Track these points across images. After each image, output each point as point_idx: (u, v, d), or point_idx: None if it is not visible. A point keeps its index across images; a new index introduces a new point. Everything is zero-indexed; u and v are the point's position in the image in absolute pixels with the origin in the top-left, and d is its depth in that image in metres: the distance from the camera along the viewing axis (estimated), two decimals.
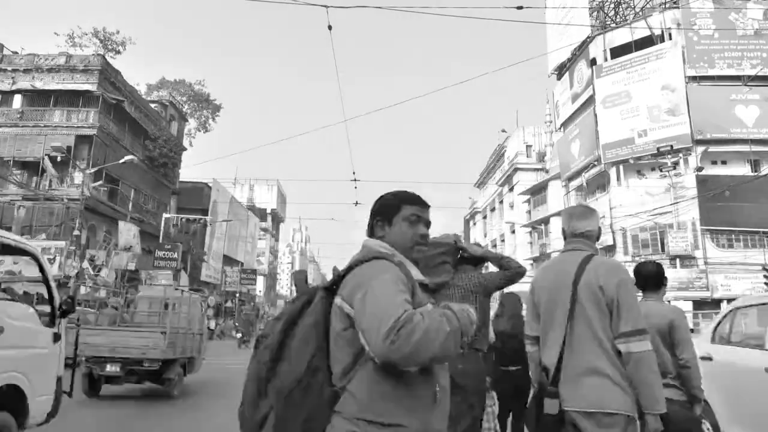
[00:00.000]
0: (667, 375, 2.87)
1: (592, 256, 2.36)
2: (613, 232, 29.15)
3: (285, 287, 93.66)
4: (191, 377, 10.12)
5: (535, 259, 40.07)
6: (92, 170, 24.38)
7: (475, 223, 60.50)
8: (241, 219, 47.72)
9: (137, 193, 31.74)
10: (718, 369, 4.39)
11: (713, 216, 25.78)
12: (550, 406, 2.23)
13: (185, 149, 39.43)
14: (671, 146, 26.38)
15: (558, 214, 36.63)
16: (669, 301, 3.50)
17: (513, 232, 45.14)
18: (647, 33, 30.28)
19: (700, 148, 27.77)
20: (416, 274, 1.67)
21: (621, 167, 30.36)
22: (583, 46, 33.51)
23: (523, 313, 4.42)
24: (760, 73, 26.75)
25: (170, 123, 37.42)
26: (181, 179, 38.17)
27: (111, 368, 8.11)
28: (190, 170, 79.49)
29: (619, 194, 29.70)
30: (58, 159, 24.90)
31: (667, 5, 30.44)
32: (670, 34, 29.75)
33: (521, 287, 3.83)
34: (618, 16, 33.39)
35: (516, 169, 44.70)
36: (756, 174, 25.69)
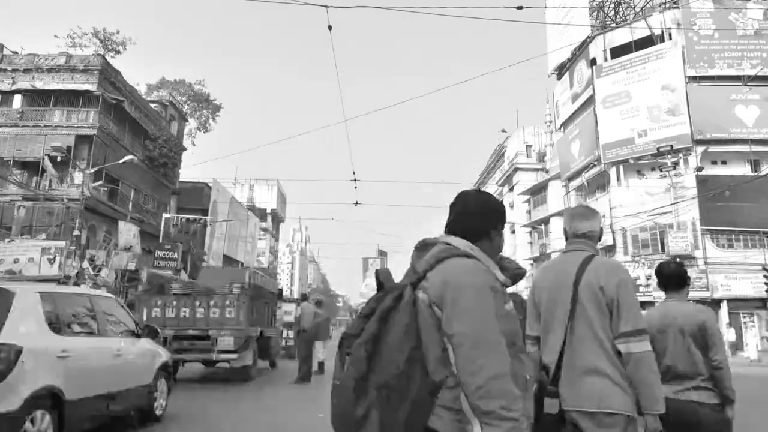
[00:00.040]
0: (698, 377, 2.83)
1: (593, 257, 2.37)
2: (613, 232, 29.16)
3: (285, 287, 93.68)
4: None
5: (535, 259, 40.08)
6: (92, 170, 24.37)
7: None
8: (241, 219, 47.71)
9: (137, 193, 31.74)
10: None
11: (713, 216, 25.79)
12: (550, 405, 2.23)
13: (185, 149, 39.43)
14: (671, 146, 26.40)
15: (558, 214, 36.65)
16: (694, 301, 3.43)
17: (513, 232, 45.14)
18: (647, 33, 30.29)
19: (700, 148, 27.78)
20: (499, 276, 1.74)
21: (621, 167, 30.37)
22: (583, 46, 33.52)
23: None
24: (760, 73, 26.77)
25: (170, 123, 37.42)
26: (181, 179, 38.16)
27: None
28: (190, 170, 79.54)
29: (619, 194, 29.71)
30: (58, 159, 24.89)
31: (667, 5, 30.45)
32: (670, 34, 29.76)
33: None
34: (618, 16, 33.41)
35: (516, 169, 44.73)
36: (756, 174, 25.71)
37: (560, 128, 38.19)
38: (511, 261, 3.36)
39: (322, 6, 9.92)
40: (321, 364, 12.40)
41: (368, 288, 19.33)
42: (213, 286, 11.33)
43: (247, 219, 50.67)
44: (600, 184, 32.57)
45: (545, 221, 38.68)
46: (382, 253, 76.33)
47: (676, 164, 26.33)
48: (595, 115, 31.33)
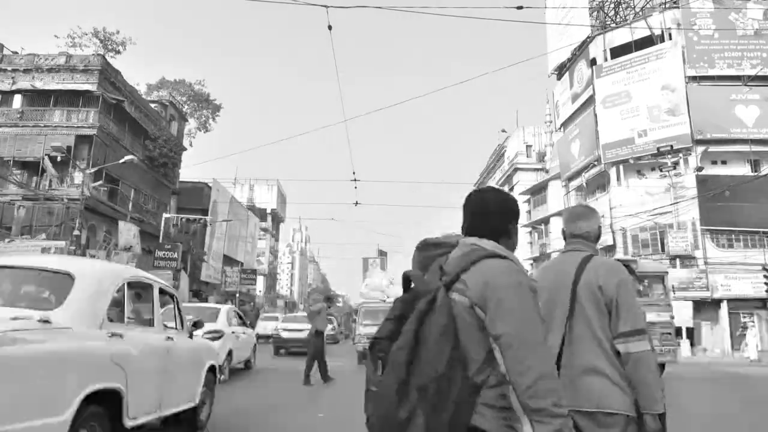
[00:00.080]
0: None
1: (591, 257, 2.38)
2: (613, 232, 29.17)
3: (285, 287, 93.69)
4: None
5: (535, 259, 40.09)
6: (92, 170, 24.38)
7: None
8: (241, 219, 47.72)
9: (137, 193, 31.75)
10: None
11: (713, 216, 25.79)
12: None
13: (185, 149, 39.44)
14: (671, 146, 26.40)
15: (558, 214, 36.66)
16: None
17: None
18: (647, 33, 30.29)
19: (700, 148, 27.78)
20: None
21: (621, 167, 30.37)
22: (583, 46, 33.53)
23: None
24: (760, 73, 26.77)
25: (170, 123, 37.43)
26: (181, 179, 38.17)
27: None
28: (190, 170, 79.49)
29: (619, 194, 29.72)
30: (58, 159, 24.90)
31: (667, 5, 30.46)
32: (670, 34, 29.76)
33: None
34: (618, 16, 33.42)
35: (516, 169, 44.74)
36: (756, 174, 25.71)
37: (560, 128, 38.20)
38: None
39: (322, 6, 9.93)
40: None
41: (368, 288, 19.20)
42: None
43: (247, 219, 50.66)
44: (600, 184, 32.58)
45: (545, 221, 38.70)
46: (382, 253, 76.24)
47: (676, 164, 26.33)
48: (595, 115, 31.34)
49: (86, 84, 27.62)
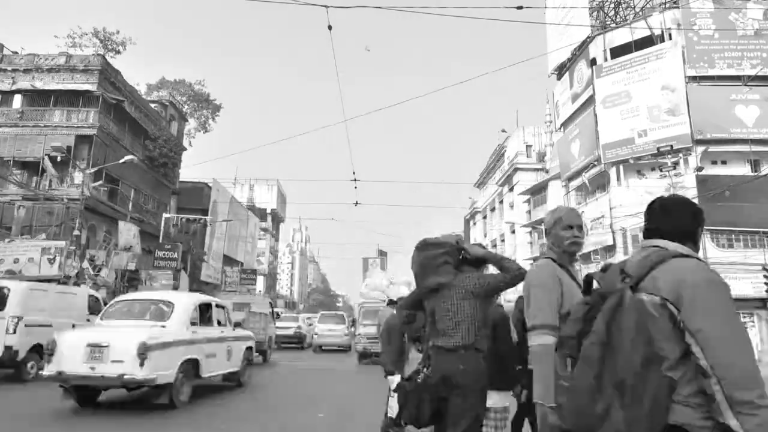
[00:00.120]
0: None
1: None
2: (613, 232, 29.17)
3: (285, 287, 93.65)
4: None
5: (535, 259, 40.00)
6: (92, 170, 24.37)
7: (475, 223, 60.52)
8: (241, 219, 47.70)
9: (137, 193, 31.74)
10: None
11: (713, 216, 25.74)
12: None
13: (185, 149, 39.43)
14: (671, 146, 26.38)
15: None
16: None
17: (513, 232, 45.16)
18: (647, 33, 30.28)
19: (700, 148, 27.78)
20: None
21: (621, 167, 30.37)
22: (583, 46, 33.52)
23: None
24: (760, 73, 26.76)
25: (170, 123, 37.42)
26: (181, 179, 38.16)
27: None
28: (190, 170, 79.46)
29: (619, 194, 29.71)
30: (58, 159, 24.89)
31: (667, 5, 30.45)
32: (670, 34, 29.75)
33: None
34: (618, 16, 33.41)
35: (516, 169, 44.72)
36: (756, 174, 25.70)
37: (560, 128, 38.18)
38: (512, 262, 3.36)
39: (322, 6, 9.93)
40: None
41: (368, 288, 19.23)
42: None
43: (247, 219, 50.65)
44: (600, 184, 32.57)
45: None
46: (382, 253, 76.11)
47: (676, 164, 26.31)
48: (595, 115, 31.33)
49: (86, 84, 27.61)
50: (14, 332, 10.08)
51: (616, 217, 28.87)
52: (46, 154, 25.39)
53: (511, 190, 45.92)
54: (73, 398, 7.46)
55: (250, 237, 51.53)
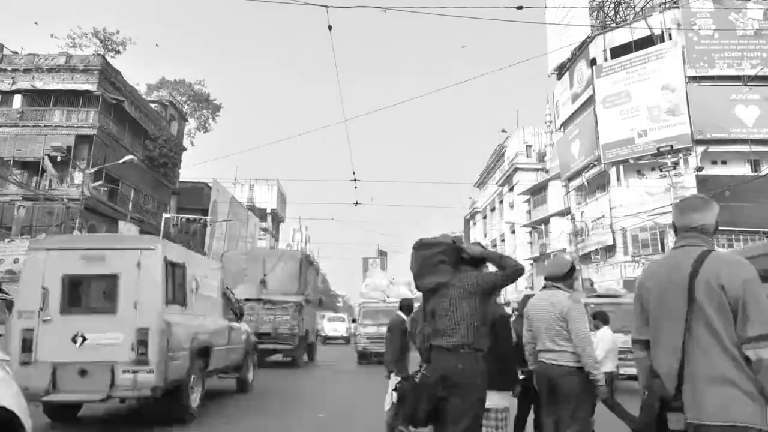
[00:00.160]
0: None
1: (710, 252, 2.13)
2: (613, 232, 29.18)
3: None
4: None
5: (535, 259, 40.10)
6: (92, 170, 24.38)
7: (475, 223, 60.53)
8: (241, 219, 47.69)
9: (137, 193, 31.75)
10: None
11: None
12: (675, 421, 2.06)
13: (185, 149, 39.44)
14: (671, 146, 26.37)
15: (558, 213, 36.69)
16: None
17: (513, 232, 45.16)
18: (647, 33, 30.29)
19: (700, 148, 27.78)
20: None
21: (621, 167, 30.37)
22: (583, 46, 33.53)
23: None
24: (760, 73, 26.76)
25: (170, 123, 37.43)
26: (181, 179, 38.17)
27: None
28: (190, 170, 79.28)
29: (619, 194, 29.72)
30: (58, 159, 24.89)
31: (667, 5, 30.45)
32: (670, 34, 29.76)
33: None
34: (618, 16, 33.42)
35: (516, 169, 44.72)
36: (756, 174, 25.70)
37: (560, 128, 38.19)
38: (509, 259, 3.37)
39: (322, 6, 9.93)
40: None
41: (368, 288, 19.20)
42: None
43: (247, 219, 50.64)
44: (600, 184, 32.57)
45: (545, 221, 38.70)
46: (382, 253, 76.09)
47: (676, 164, 26.30)
48: (595, 115, 31.33)
49: (86, 84, 27.61)
50: None
51: (616, 217, 28.87)
52: (46, 154, 25.39)
53: (511, 190, 45.92)
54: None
55: (250, 237, 51.50)
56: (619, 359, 7.37)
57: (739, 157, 28.00)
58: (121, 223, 27.44)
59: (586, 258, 31.63)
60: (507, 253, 46.87)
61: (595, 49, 32.60)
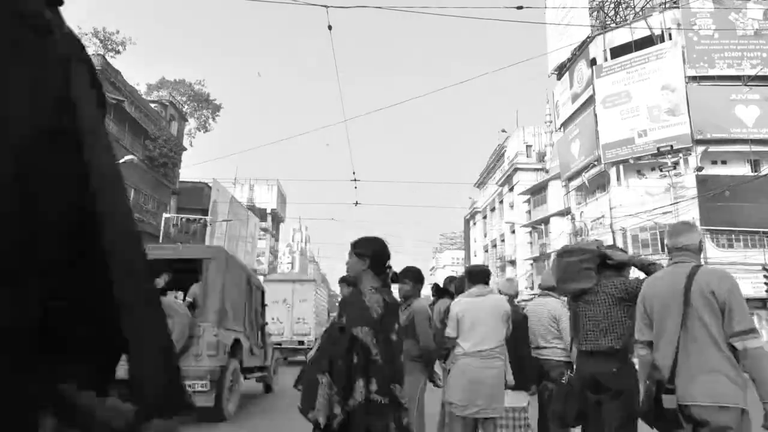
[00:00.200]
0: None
1: (699, 266, 2.67)
2: (613, 232, 29.15)
3: None
4: None
5: (535, 259, 40.09)
6: None
7: (475, 223, 60.55)
8: (241, 219, 47.69)
9: (137, 193, 31.74)
10: None
11: (713, 216, 25.77)
12: (668, 401, 2.50)
13: (185, 149, 39.42)
14: (671, 146, 26.39)
15: (558, 214, 36.70)
16: None
17: (513, 232, 45.15)
18: (647, 33, 30.28)
19: (700, 148, 27.78)
20: None
21: (621, 167, 30.36)
22: (583, 46, 33.52)
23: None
24: (760, 73, 26.76)
25: (170, 123, 37.42)
26: (181, 179, 38.16)
27: None
28: (190, 170, 79.49)
29: (619, 194, 29.71)
30: None
31: (667, 5, 30.45)
32: (670, 34, 29.75)
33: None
34: (618, 16, 33.40)
35: (516, 169, 44.72)
36: (756, 174, 25.70)
37: (560, 128, 38.18)
38: (658, 266, 3.46)
39: (322, 6, 9.93)
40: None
41: None
42: None
43: (247, 219, 50.63)
44: (600, 184, 32.56)
45: (545, 221, 38.69)
46: None
47: (676, 164, 26.32)
48: (595, 115, 31.32)
49: None
50: None
51: (616, 217, 28.86)
52: None
53: (511, 190, 45.91)
54: None
55: (250, 237, 51.52)
56: None
57: (739, 157, 28.00)
58: None
59: None
60: (507, 253, 46.88)
61: (595, 49, 32.60)
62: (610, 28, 32.89)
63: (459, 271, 58.59)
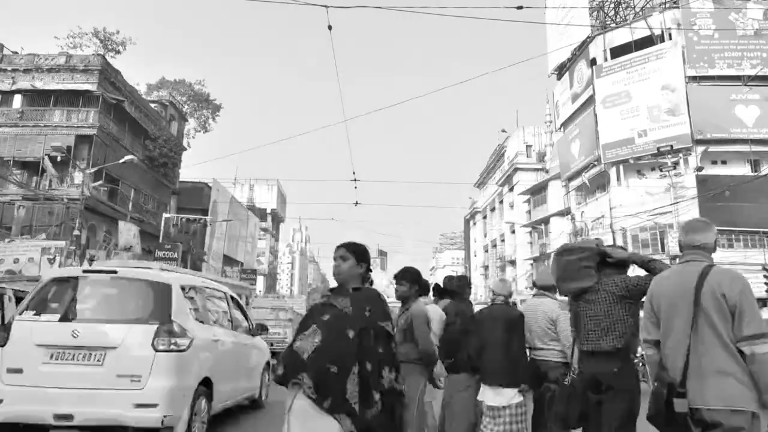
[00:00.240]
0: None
1: (711, 267, 2.55)
2: (613, 232, 29.15)
3: (285, 287, 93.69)
4: None
5: (535, 259, 40.09)
6: (92, 170, 24.36)
7: (475, 223, 60.58)
8: (241, 219, 47.70)
9: (137, 193, 31.74)
10: None
11: (713, 216, 25.68)
12: (679, 405, 2.43)
13: (185, 149, 39.43)
14: (671, 146, 26.38)
15: (558, 213, 36.70)
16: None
17: (513, 232, 45.16)
18: (647, 33, 30.28)
19: (700, 148, 27.78)
20: None
21: (621, 167, 30.37)
22: (583, 46, 33.52)
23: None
24: (760, 73, 26.75)
25: (170, 123, 37.42)
26: (181, 179, 38.16)
27: None
28: (190, 170, 79.51)
29: (619, 194, 29.71)
30: (58, 159, 24.88)
31: (667, 5, 30.45)
32: (670, 34, 29.75)
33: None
34: (618, 16, 33.41)
35: (516, 169, 44.74)
36: (756, 174, 25.70)
37: (560, 128, 38.19)
38: (659, 263, 3.48)
39: (322, 6, 9.91)
40: None
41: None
42: None
43: (247, 219, 50.65)
44: (600, 184, 32.57)
45: (545, 221, 38.70)
46: (382, 253, 76.12)
47: (676, 164, 26.30)
48: (595, 115, 31.33)
49: (86, 84, 27.60)
50: None
51: (616, 217, 28.87)
52: (46, 154, 25.38)
53: (511, 190, 45.93)
54: None
55: (250, 237, 51.53)
56: None
57: (739, 157, 28.00)
58: (121, 223, 27.44)
59: None
60: (507, 253, 46.89)
61: (595, 49, 32.60)
62: (610, 28, 32.90)
63: (459, 270, 58.60)
